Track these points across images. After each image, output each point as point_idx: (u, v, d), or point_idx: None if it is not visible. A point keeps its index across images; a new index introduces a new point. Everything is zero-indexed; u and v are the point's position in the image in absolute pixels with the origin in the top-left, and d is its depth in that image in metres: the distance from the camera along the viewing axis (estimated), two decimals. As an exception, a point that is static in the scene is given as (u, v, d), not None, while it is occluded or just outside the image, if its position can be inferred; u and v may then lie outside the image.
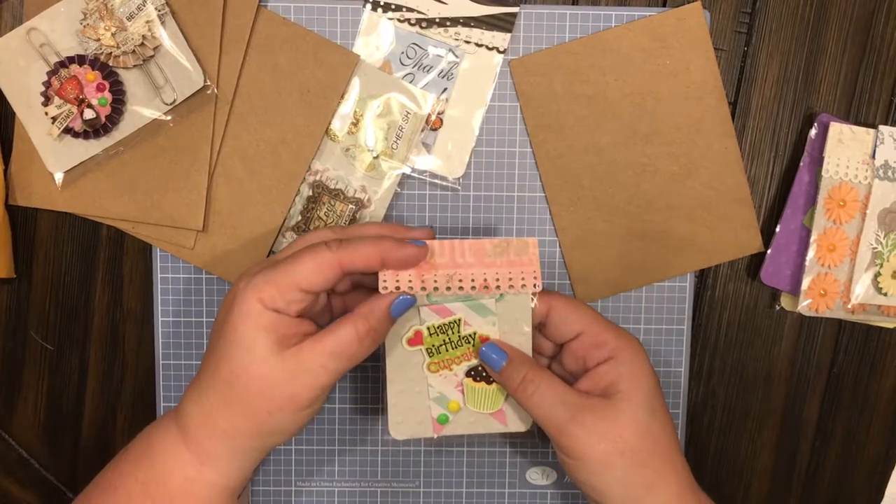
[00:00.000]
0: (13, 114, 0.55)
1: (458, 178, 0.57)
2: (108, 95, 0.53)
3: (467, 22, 0.56)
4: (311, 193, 0.56)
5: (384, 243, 0.46)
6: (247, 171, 0.56)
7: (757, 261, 0.58)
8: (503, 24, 0.56)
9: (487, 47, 0.56)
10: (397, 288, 0.47)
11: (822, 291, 0.56)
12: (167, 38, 0.54)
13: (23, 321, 0.58)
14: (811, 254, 0.56)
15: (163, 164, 0.55)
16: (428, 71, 0.56)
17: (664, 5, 0.57)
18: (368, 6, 0.56)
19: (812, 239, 0.56)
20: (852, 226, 0.56)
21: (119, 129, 0.54)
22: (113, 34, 0.53)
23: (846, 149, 0.56)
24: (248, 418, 0.45)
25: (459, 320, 0.49)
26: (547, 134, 0.56)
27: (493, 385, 0.49)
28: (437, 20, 0.56)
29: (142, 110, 0.54)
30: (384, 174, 0.56)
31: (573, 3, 0.57)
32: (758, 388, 0.60)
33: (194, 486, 0.47)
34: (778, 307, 0.58)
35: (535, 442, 0.59)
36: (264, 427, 0.46)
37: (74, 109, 0.53)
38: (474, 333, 0.49)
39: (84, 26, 0.53)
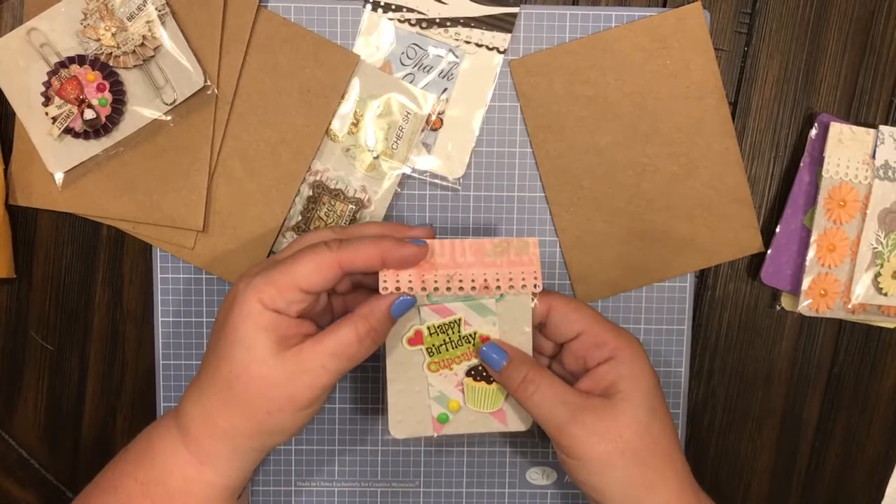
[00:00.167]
0: (13, 114, 0.55)
1: (459, 179, 0.57)
2: (108, 95, 0.54)
3: (467, 22, 0.56)
4: (311, 193, 0.56)
5: (384, 243, 0.46)
6: (247, 171, 0.56)
7: (757, 261, 0.58)
8: (503, 24, 0.56)
9: (487, 47, 0.56)
10: (397, 288, 0.47)
11: (822, 291, 0.56)
12: (167, 38, 0.54)
13: (23, 321, 0.58)
14: (811, 254, 0.56)
15: (163, 165, 0.55)
16: (428, 71, 0.56)
17: (664, 5, 0.57)
18: (368, 6, 0.56)
19: (812, 239, 0.56)
20: (852, 226, 0.56)
21: (119, 130, 0.54)
22: (113, 34, 0.53)
23: (846, 149, 0.56)
24: (248, 418, 0.45)
25: (460, 320, 0.49)
26: (547, 134, 0.56)
27: (494, 385, 0.49)
28: (438, 20, 0.56)
29: (142, 110, 0.54)
30: (384, 174, 0.56)
31: (573, 3, 0.57)
32: (758, 388, 0.60)
33: (194, 486, 0.47)
34: (778, 307, 0.58)
35: (535, 441, 0.59)
36: (264, 427, 0.46)
37: (75, 109, 0.53)
38: (474, 333, 0.49)
39: (84, 26, 0.53)
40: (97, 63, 0.53)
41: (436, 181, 0.57)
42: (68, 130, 0.54)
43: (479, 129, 0.56)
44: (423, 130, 0.56)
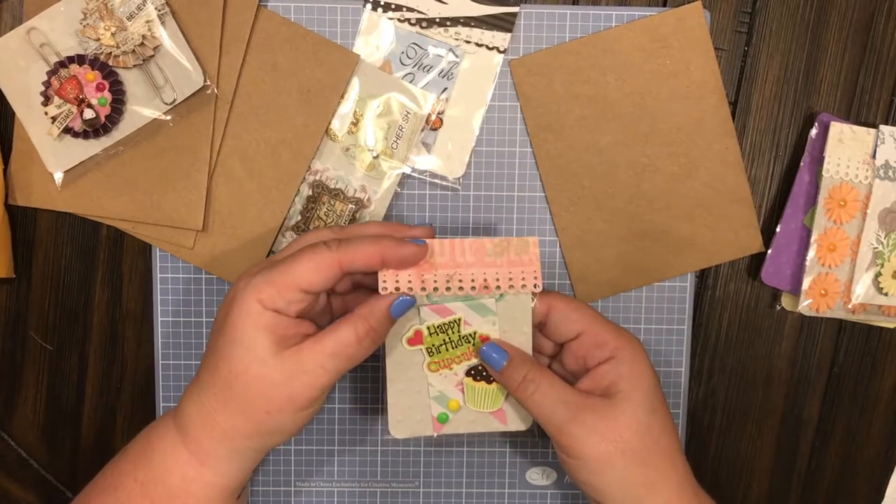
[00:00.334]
0: (13, 114, 0.55)
1: (458, 178, 0.57)
2: (107, 95, 0.53)
3: (467, 22, 0.56)
4: (310, 193, 0.56)
5: (384, 242, 0.46)
6: (246, 170, 0.56)
7: (757, 261, 0.58)
8: (503, 23, 0.56)
9: (487, 47, 0.56)
10: (397, 288, 0.47)
11: (822, 291, 0.56)
12: (167, 37, 0.54)
13: (22, 321, 0.58)
14: (812, 254, 0.56)
15: (162, 164, 0.55)
16: (428, 71, 0.56)
17: (664, 5, 0.57)
18: (368, 6, 0.56)
19: (812, 239, 0.56)
20: (853, 225, 0.56)
21: (119, 129, 0.54)
22: (113, 34, 0.53)
23: (847, 148, 0.56)
24: (248, 418, 0.45)
25: (459, 320, 0.49)
26: (547, 134, 0.56)
27: (494, 384, 0.49)
28: (438, 20, 0.55)
29: (141, 110, 0.54)
30: (384, 174, 0.56)
31: (573, 3, 0.57)
32: (758, 388, 0.60)
33: (193, 486, 0.47)
34: (778, 307, 0.58)
35: (535, 441, 0.59)
36: (263, 427, 0.46)
37: (74, 109, 0.53)
38: (474, 333, 0.49)
39: (84, 26, 0.53)
40: (97, 63, 0.53)
41: (436, 181, 0.57)
42: (68, 130, 0.54)
43: (479, 129, 0.56)
44: (422, 130, 0.56)
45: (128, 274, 0.58)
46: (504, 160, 0.57)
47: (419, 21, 0.55)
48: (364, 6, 0.56)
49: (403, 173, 0.56)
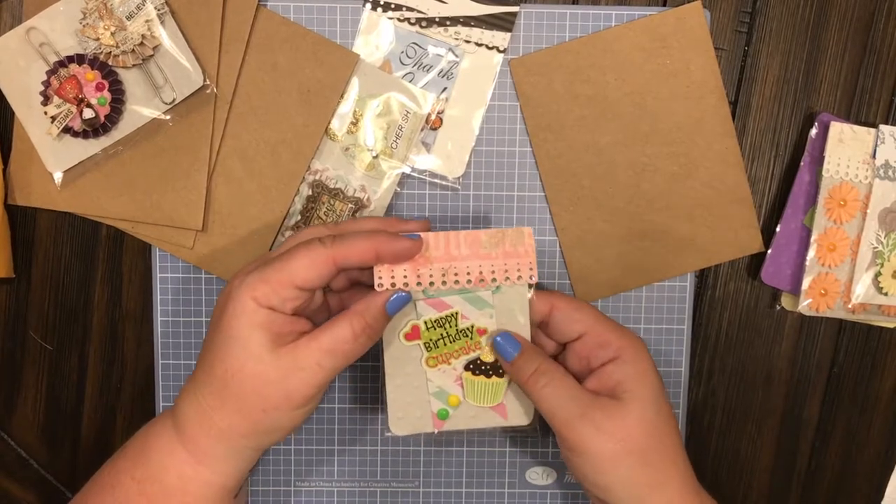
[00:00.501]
0: (12, 113, 0.55)
1: (458, 178, 0.57)
2: (107, 95, 0.53)
3: (467, 21, 0.56)
4: (310, 193, 0.56)
5: (378, 237, 0.46)
6: (246, 170, 0.56)
7: (757, 260, 0.58)
8: (503, 23, 0.56)
9: (487, 47, 0.56)
10: (392, 284, 0.47)
11: (822, 291, 0.56)
12: (167, 37, 0.54)
13: (22, 321, 0.58)
14: (811, 253, 0.56)
15: (162, 164, 0.55)
16: (428, 70, 0.56)
17: (664, 5, 0.57)
18: (368, 5, 0.56)
19: (812, 239, 0.56)
20: (853, 225, 0.56)
21: (118, 129, 0.54)
22: (112, 33, 0.53)
23: (847, 148, 0.56)
24: (244, 417, 0.45)
25: (456, 314, 0.49)
26: (547, 134, 0.56)
27: (493, 378, 0.49)
28: (437, 19, 0.55)
29: (141, 110, 0.54)
30: (384, 174, 0.56)
31: (573, 3, 0.57)
32: (758, 388, 0.59)
33: (190, 485, 0.47)
34: (778, 307, 0.58)
35: (536, 441, 0.59)
36: (260, 426, 0.46)
37: (74, 109, 0.53)
38: (472, 327, 0.49)
39: (83, 26, 0.53)
40: (96, 62, 0.53)
41: (435, 180, 0.57)
42: (67, 130, 0.54)
43: (479, 129, 0.56)
44: (422, 130, 0.56)
45: (127, 274, 0.58)
46: (504, 160, 0.57)
47: (419, 21, 0.55)
48: (364, 6, 0.56)
49: (403, 173, 0.56)
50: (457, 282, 0.48)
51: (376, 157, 0.56)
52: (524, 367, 0.48)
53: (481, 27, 0.56)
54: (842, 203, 0.56)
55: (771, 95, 0.57)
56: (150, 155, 0.55)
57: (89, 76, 0.53)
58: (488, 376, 0.49)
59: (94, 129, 0.54)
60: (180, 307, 0.57)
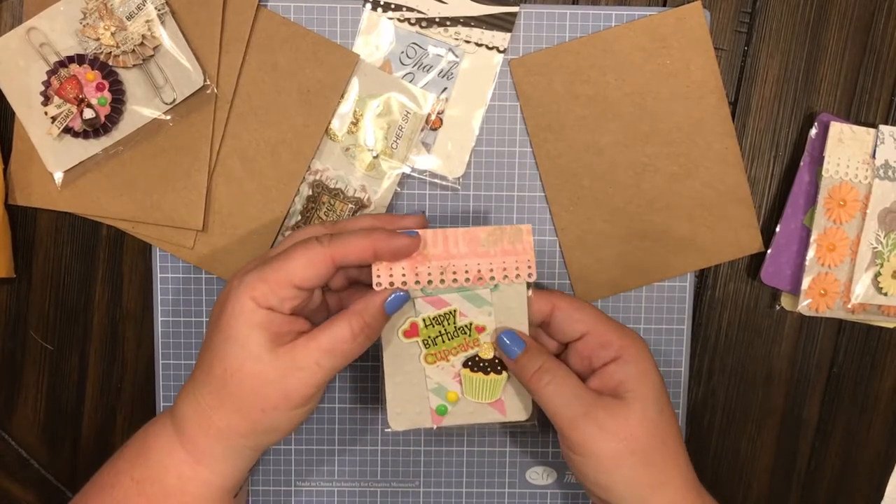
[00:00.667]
0: (13, 113, 0.55)
1: (458, 178, 0.57)
2: (107, 95, 0.53)
3: (467, 21, 0.56)
4: (310, 193, 0.56)
5: (375, 235, 0.46)
6: (246, 170, 0.56)
7: (757, 261, 0.58)
8: (503, 23, 0.56)
9: (487, 47, 0.56)
10: (391, 283, 0.47)
11: (822, 291, 0.56)
12: (167, 37, 0.54)
13: (22, 321, 0.58)
14: (811, 253, 0.56)
15: (162, 164, 0.55)
16: (428, 70, 0.56)
17: (664, 5, 0.57)
18: (368, 6, 0.56)
19: (812, 239, 0.56)
20: (852, 225, 0.56)
21: (119, 129, 0.54)
22: (112, 34, 0.53)
23: (846, 148, 0.56)
24: (243, 416, 0.45)
25: (455, 311, 0.49)
26: (547, 134, 0.56)
27: (491, 375, 0.49)
28: (437, 20, 0.55)
29: (141, 110, 0.54)
30: (384, 174, 0.56)
31: (573, 3, 0.57)
32: (758, 388, 0.60)
33: (189, 485, 0.47)
34: (778, 307, 0.58)
35: (535, 441, 0.59)
36: (258, 426, 0.46)
37: (74, 109, 0.53)
38: (470, 324, 0.49)
39: (84, 26, 0.53)
40: (96, 62, 0.53)
41: (435, 181, 0.57)
42: (67, 130, 0.54)
43: (479, 129, 0.56)
44: (422, 130, 0.56)
45: (128, 274, 0.58)
46: (504, 160, 0.57)
47: (419, 21, 0.55)
48: (364, 6, 0.56)
49: (403, 173, 0.56)
50: (455, 280, 0.48)
51: (376, 157, 0.56)
52: (528, 365, 0.48)
53: (481, 27, 0.56)
54: (841, 203, 0.56)
55: (771, 95, 0.57)
56: (151, 155, 0.55)
57: (90, 76, 0.53)
58: (486, 373, 0.49)
59: (95, 129, 0.54)
60: (180, 307, 0.57)
